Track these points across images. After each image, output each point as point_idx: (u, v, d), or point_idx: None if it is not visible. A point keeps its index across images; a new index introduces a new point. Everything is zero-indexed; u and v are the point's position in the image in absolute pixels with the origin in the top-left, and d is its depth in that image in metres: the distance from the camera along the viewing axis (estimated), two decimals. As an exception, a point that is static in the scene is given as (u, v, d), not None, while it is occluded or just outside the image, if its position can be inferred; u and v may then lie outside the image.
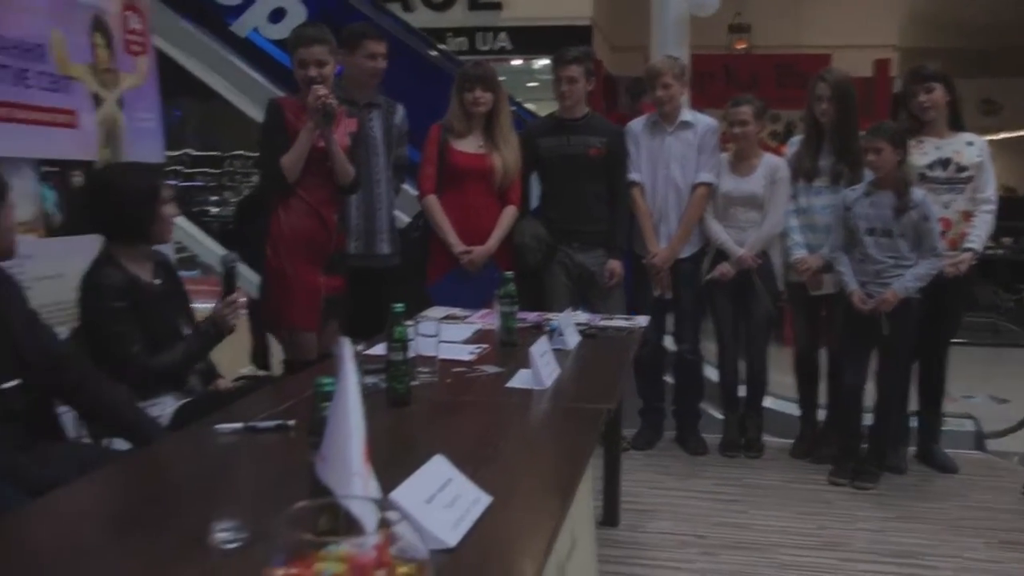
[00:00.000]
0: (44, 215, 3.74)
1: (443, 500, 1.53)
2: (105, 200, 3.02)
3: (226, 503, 1.54)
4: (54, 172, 3.81)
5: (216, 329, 3.06)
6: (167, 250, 3.70)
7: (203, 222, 7.11)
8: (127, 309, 2.95)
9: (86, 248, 3.19)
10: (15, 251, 2.48)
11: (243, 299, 3.11)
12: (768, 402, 4.92)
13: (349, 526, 0.98)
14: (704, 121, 4.72)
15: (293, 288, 3.84)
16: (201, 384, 3.19)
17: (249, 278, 5.37)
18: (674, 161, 4.66)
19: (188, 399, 3.06)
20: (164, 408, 2.99)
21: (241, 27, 5.94)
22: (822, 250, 4.44)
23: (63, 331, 2.99)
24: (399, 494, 1.45)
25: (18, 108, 3.60)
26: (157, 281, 3.12)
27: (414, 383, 2.43)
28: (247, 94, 5.88)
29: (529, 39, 10.96)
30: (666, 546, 3.65)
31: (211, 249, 5.82)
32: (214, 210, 10.76)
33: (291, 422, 2.16)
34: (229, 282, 3.08)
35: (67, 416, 2.82)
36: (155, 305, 3.04)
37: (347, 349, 1.28)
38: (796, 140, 4.68)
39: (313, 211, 3.84)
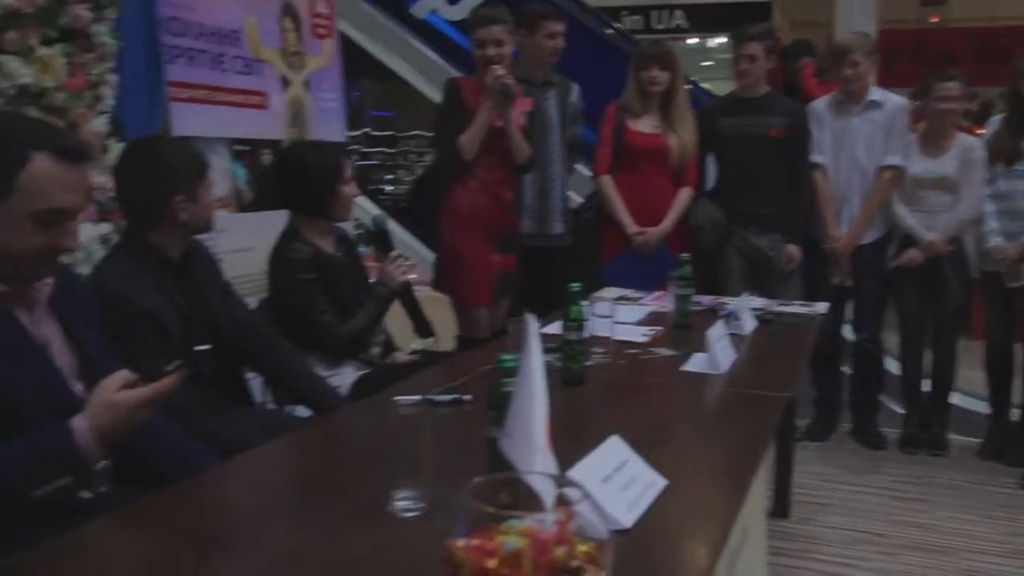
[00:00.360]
0: (236, 191, 3.94)
1: (619, 481, 1.52)
2: (292, 177, 3.14)
3: (405, 473, 1.54)
4: (245, 151, 4.00)
5: (387, 289, 3.14)
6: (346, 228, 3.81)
7: (378, 200, 7.31)
8: (315, 281, 3.07)
9: (274, 223, 3.31)
10: (213, 225, 2.61)
11: (404, 257, 3.20)
12: (955, 398, 4.63)
13: (530, 502, 0.98)
14: (893, 100, 4.48)
15: (467, 265, 3.90)
16: (380, 356, 3.28)
17: (423, 255, 5.48)
18: (860, 142, 4.43)
19: (367, 371, 3.16)
20: (344, 379, 3.09)
21: (420, 9, 6.05)
22: (1022, 238, 4.18)
23: (252, 302, 3.12)
24: (577, 473, 1.44)
25: (215, 91, 3.80)
26: (339, 254, 3.22)
27: (588, 363, 2.41)
28: (424, 74, 6.00)
29: (705, 17, 10.71)
30: (840, 542, 3.51)
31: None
32: (389, 188, 11.10)
33: (467, 396, 2.19)
34: (384, 241, 3.19)
35: (254, 382, 2.98)
36: (338, 277, 3.15)
37: (532, 325, 1.28)
38: (996, 120, 4.39)
39: (488, 189, 3.88)
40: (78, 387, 1.83)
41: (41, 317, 1.82)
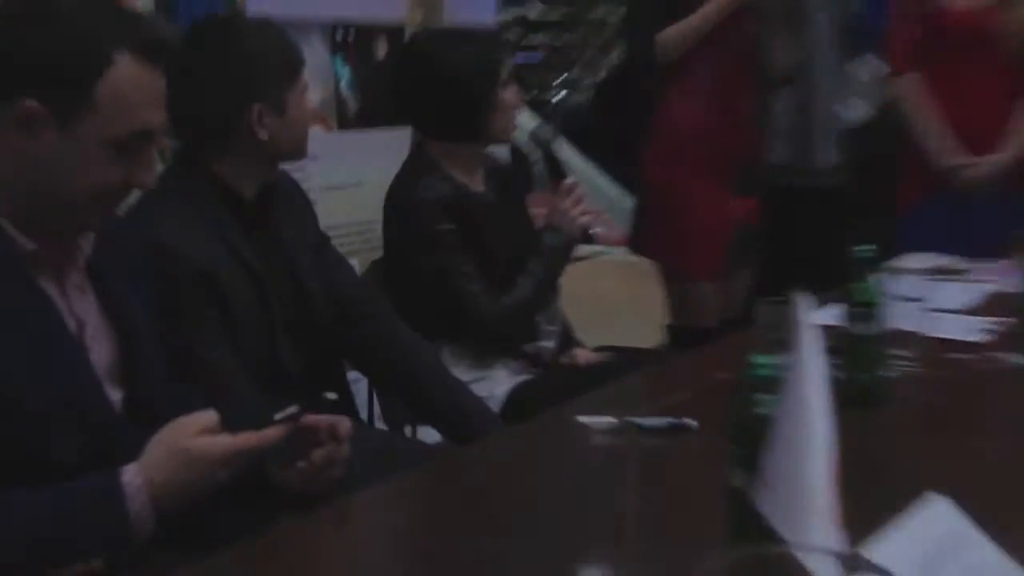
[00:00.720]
0: (337, 100, 4.01)
1: (949, 569, 1.46)
2: (423, 81, 3.15)
3: (596, 539, 1.53)
4: (350, 40, 4.06)
5: (560, 237, 3.16)
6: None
7: (543, 114, 7.30)
8: (456, 233, 3.07)
9: (392, 146, 3.36)
10: (305, 150, 2.64)
11: (581, 187, 3.23)
12: None
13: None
14: None
15: (688, 215, 3.90)
16: (553, 353, 3.27)
17: (613, 200, 5.43)
18: None
19: (531, 375, 3.16)
20: (497, 386, 3.12)
21: None
22: None
23: (356, 264, 3.16)
24: (880, 552, 1.40)
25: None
26: (490, 194, 3.23)
27: (887, 374, 2.36)
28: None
29: None
30: None
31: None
32: (559, 97, 11.10)
33: (691, 421, 2.16)
34: (552, 165, 3.25)
35: (357, 387, 3.03)
36: (491, 228, 3.15)
37: (805, 310, 1.26)
38: None
39: (720, 101, 3.87)
40: (116, 395, 1.90)
41: (75, 288, 1.90)
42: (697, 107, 3.88)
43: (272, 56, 2.52)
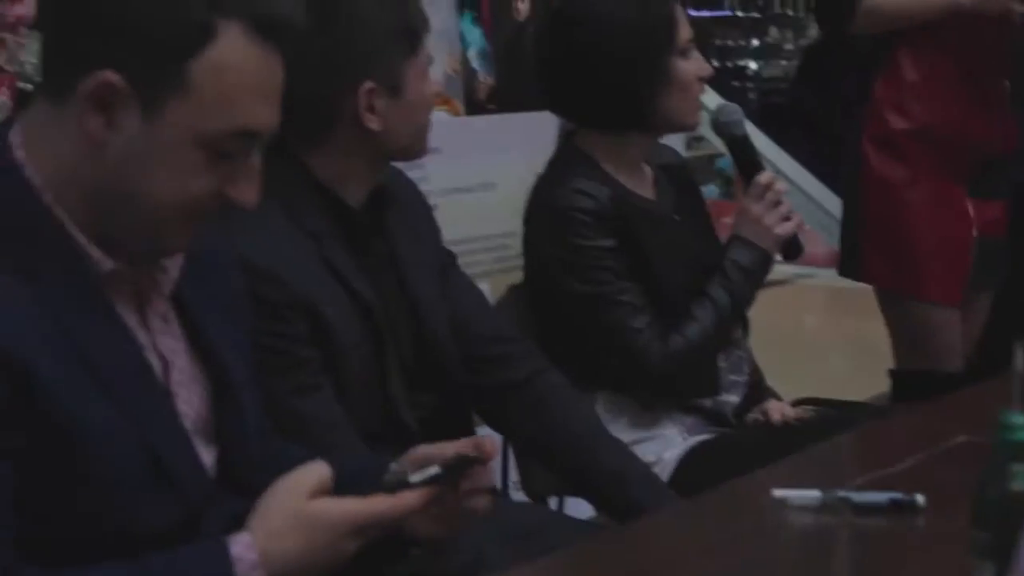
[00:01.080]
0: (466, 75, 4.02)
1: None
2: (574, 49, 3.15)
3: None
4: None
5: (754, 255, 3.16)
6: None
7: (731, 92, 7.27)
8: (617, 252, 3.08)
9: (535, 136, 3.37)
10: (427, 142, 2.66)
11: (780, 184, 3.20)
12: None
13: None
14: None
15: (916, 224, 3.86)
16: (738, 408, 3.27)
17: (817, 200, 5.40)
18: None
19: (709, 435, 3.17)
20: (664, 448, 3.14)
21: None
22: None
23: (487, 288, 3.22)
24: None
25: None
26: (664, 202, 3.23)
27: None
28: None
29: None
30: None
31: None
32: (752, 68, 10.98)
33: (918, 497, 2.15)
34: (744, 155, 3.26)
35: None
36: (661, 243, 3.15)
37: None
38: None
39: (959, 79, 3.86)
40: (206, 454, 1.91)
41: (158, 319, 1.90)
42: (927, 86, 3.87)
43: (386, 18, 2.50)
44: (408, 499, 1.79)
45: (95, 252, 1.77)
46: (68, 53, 1.76)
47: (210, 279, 1.99)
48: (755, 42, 11.97)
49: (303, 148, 2.53)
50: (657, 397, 3.13)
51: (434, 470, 1.84)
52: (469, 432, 2.77)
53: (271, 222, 2.42)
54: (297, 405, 2.36)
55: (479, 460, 1.92)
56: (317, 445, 2.24)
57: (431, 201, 2.92)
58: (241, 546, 1.74)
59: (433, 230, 2.82)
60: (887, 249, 3.91)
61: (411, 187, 2.80)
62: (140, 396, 1.80)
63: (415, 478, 1.83)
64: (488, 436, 2.08)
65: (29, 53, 3.08)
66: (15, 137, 1.78)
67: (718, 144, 5.88)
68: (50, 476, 1.71)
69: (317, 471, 1.80)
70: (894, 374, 4.05)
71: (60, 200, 1.75)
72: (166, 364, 1.88)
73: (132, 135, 1.72)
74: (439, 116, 3.69)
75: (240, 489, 1.93)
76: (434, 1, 3.77)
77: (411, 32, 2.54)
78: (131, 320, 1.84)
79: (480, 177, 3.83)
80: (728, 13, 12.19)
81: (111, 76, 1.68)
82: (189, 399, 1.91)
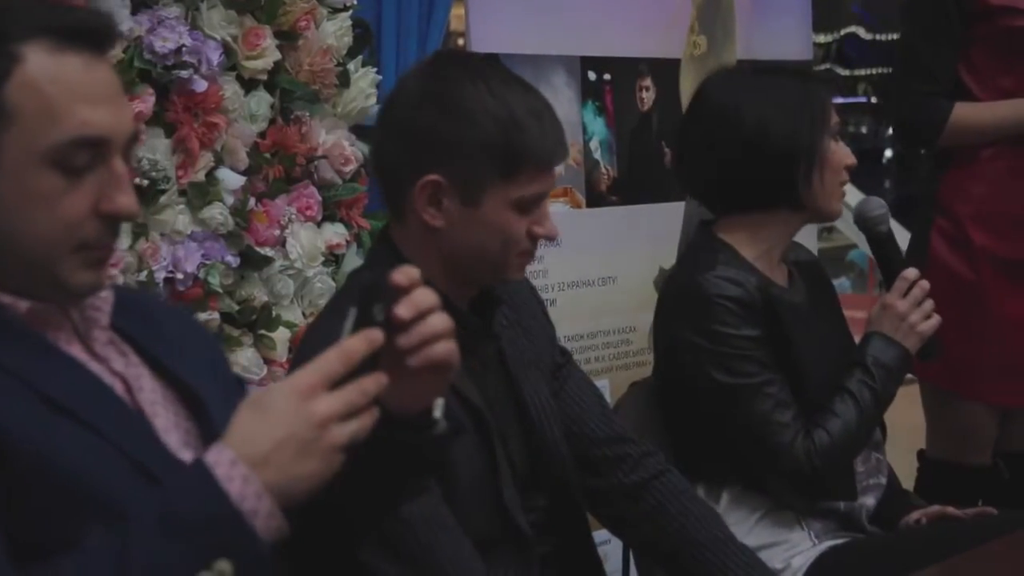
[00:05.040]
0: (588, 165, 3.99)
1: None
2: (723, 133, 3.10)
3: None
4: (606, 81, 4.06)
5: (897, 353, 3.09)
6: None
7: (869, 182, 7.22)
8: (763, 343, 3.01)
9: (658, 229, 3.27)
10: (507, 272, 2.57)
11: (925, 282, 3.14)
12: None
13: None
14: None
15: (984, 323, 3.85)
16: (873, 512, 3.17)
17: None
18: None
19: (841, 539, 3.09)
20: (792, 554, 3.05)
21: None
22: None
23: (606, 385, 3.14)
24: None
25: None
26: (797, 292, 3.17)
27: None
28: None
29: None
30: None
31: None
32: (888, 153, 10.96)
33: None
34: (887, 251, 3.24)
35: (609, 549, 3.02)
36: (805, 333, 3.11)
37: None
38: None
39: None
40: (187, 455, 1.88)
41: (106, 347, 1.91)
42: (1000, 176, 3.87)
43: (485, 126, 2.42)
44: (351, 343, 1.68)
45: (4, 298, 1.77)
46: None
47: (170, 331, 2.00)
48: (889, 131, 11.99)
49: (392, 222, 2.57)
50: (794, 497, 3.05)
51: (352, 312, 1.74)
52: (586, 535, 2.78)
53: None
54: (400, 509, 2.25)
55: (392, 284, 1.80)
56: (421, 546, 2.29)
57: (549, 295, 2.90)
58: (214, 453, 1.65)
59: (545, 327, 2.78)
60: (947, 345, 3.78)
61: (524, 283, 2.75)
62: (106, 413, 1.79)
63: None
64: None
65: (148, 149, 3.09)
66: None
67: (850, 235, 5.81)
68: (42, 522, 1.69)
69: (329, 363, 1.67)
70: (923, 458, 4.07)
71: None
72: (129, 386, 1.87)
73: None
74: (559, 208, 3.65)
75: None
76: (557, 91, 3.77)
77: (509, 156, 2.43)
78: (78, 353, 1.84)
79: (600, 271, 3.79)
80: (863, 100, 12.21)
81: None
82: (168, 416, 1.90)
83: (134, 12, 3.06)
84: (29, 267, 1.77)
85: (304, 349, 2.50)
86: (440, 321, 1.83)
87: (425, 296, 1.82)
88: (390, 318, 1.76)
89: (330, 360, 1.66)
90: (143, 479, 1.76)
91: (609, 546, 3.06)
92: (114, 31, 1.86)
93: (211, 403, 1.94)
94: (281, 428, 1.64)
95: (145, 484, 1.75)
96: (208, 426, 1.90)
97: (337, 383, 1.66)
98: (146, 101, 3.09)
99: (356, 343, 1.68)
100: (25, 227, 1.75)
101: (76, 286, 1.81)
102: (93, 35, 1.79)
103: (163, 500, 1.66)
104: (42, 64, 1.74)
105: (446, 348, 1.84)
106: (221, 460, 1.63)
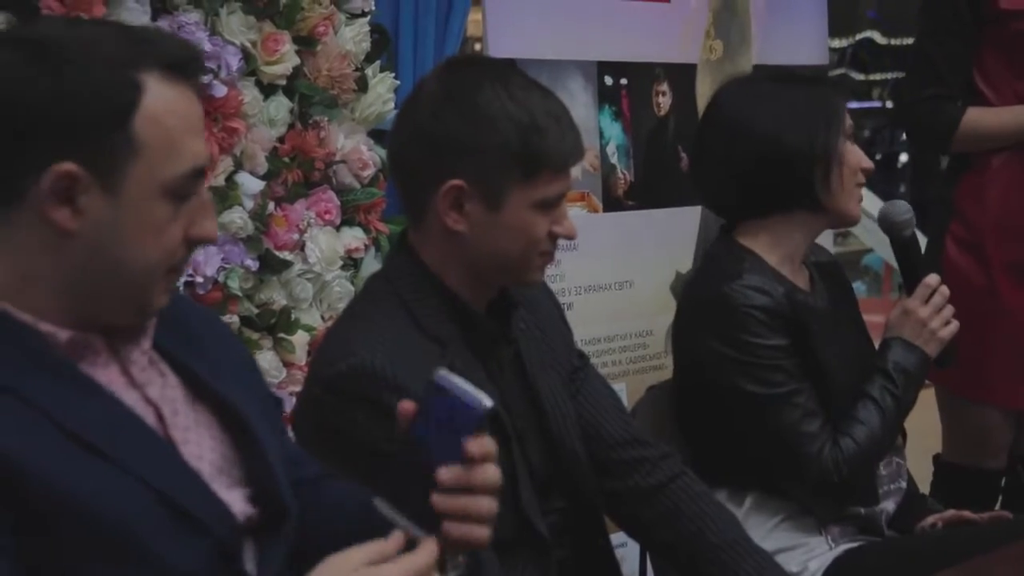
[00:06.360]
0: (605, 169, 3.99)
1: None
2: (732, 143, 3.11)
3: None
4: (622, 86, 4.07)
5: (917, 358, 3.10)
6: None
7: (887, 185, 7.21)
8: (790, 351, 3.03)
9: (674, 234, 3.27)
10: (529, 276, 2.61)
11: (944, 288, 3.17)
12: None
13: None
14: None
15: (995, 329, 3.87)
16: (892, 518, 3.19)
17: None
18: None
19: (856, 543, 3.09)
20: (809, 558, 3.05)
21: None
22: None
23: (622, 389, 3.16)
24: None
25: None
26: (820, 296, 3.19)
27: None
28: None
29: None
30: None
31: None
32: (903, 158, 10.88)
33: None
34: (910, 255, 3.24)
35: (626, 552, 3.12)
36: (831, 340, 3.11)
37: None
38: None
39: None
40: (234, 493, 1.92)
41: (143, 372, 1.91)
42: (1013, 183, 3.89)
43: (504, 130, 2.44)
44: (426, 556, 1.72)
45: (46, 328, 1.77)
46: (8, 159, 1.74)
47: (209, 343, 2.02)
48: (904, 135, 11.94)
49: (415, 239, 2.57)
50: (818, 503, 3.05)
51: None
52: (603, 538, 2.83)
53: (395, 328, 2.47)
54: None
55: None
56: None
57: (566, 299, 2.90)
58: None
59: (562, 331, 2.79)
60: (962, 350, 3.79)
61: (541, 286, 2.76)
62: (134, 448, 1.79)
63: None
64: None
65: None
66: None
67: (865, 240, 5.80)
68: (66, 559, 1.70)
69: (378, 544, 1.73)
70: (939, 463, 4.10)
71: (10, 295, 1.77)
72: (160, 414, 1.88)
73: (100, 213, 1.75)
74: (576, 212, 3.64)
75: (277, 524, 1.96)
76: (574, 96, 3.77)
77: (530, 159, 2.45)
78: (114, 382, 1.84)
79: (617, 274, 3.79)
80: (877, 104, 12.18)
81: (67, 167, 1.71)
82: (200, 442, 1.91)
83: (154, 18, 3.00)
84: (126, 292, 1.81)
85: (323, 351, 2.51)
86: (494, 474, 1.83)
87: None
88: (458, 438, 1.79)
89: (413, 566, 1.72)
90: (169, 512, 1.77)
91: (626, 549, 3.05)
92: (203, 61, 1.91)
93: (254, 421, 1.97)
94: None
95: (170, 517, 1.77)
96: (252, 445, 1.95)
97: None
98: (165, 106, 3.08)
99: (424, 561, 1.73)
100: (135, 254, 1.78)
101: (157, 308, 1.88)
102: (193, 66, 1.85)
103: None
104: (161, 96, 1.77)
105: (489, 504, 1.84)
106: None
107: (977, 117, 3.80)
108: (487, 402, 1.75)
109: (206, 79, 3.05)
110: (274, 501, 1.95)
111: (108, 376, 1.82)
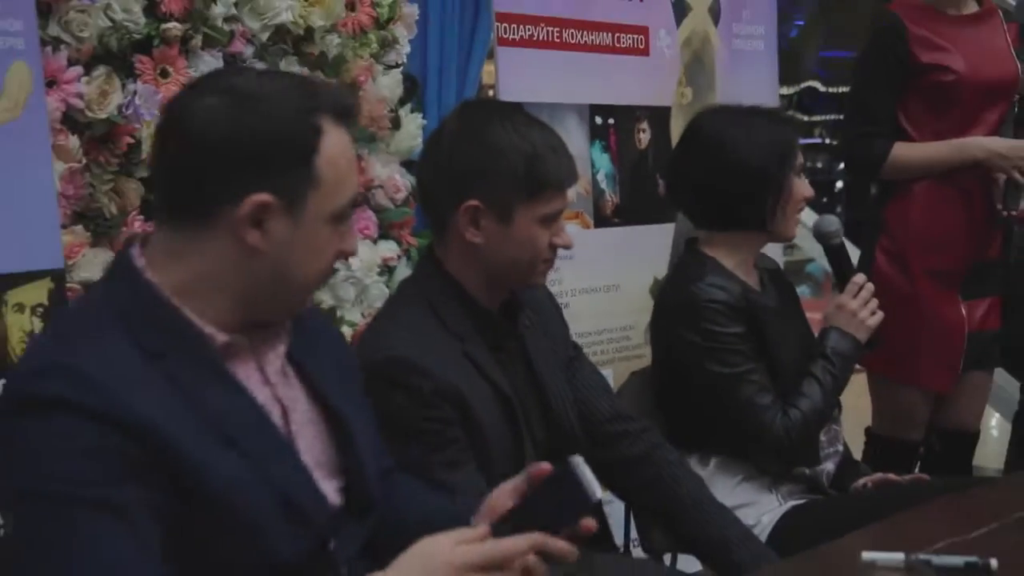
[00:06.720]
0: (595, 193, 4.00)
1: None
2: (709, 161, 3.10)
3: None
4: (610, 125, 4.07)
5: (850, 343, 3.11)
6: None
7: (825, 206, 7.24)
8: (746, 338, 3.05)
9: (653, 245, 3.31)
10: (534, 279, 2.60)
11: (869, 284, 3.17)
12: None
13: None
14: None
15: (919, 323, 3.89)
16: (832, 478, 3.19)
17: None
18: None
19: (801, 500, 3.10)
20: (762, 513, 3.05)
21: None
22: None
23: (610, 374, 3.19)
24: None
25: (567, 27, 3.89)
26: (769, 296, 3.19)
27: None
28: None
29: None
30: None
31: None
32: (839, 184, 10.92)
33: (992, 561, 2.05)
34: (840, 259, 3.23)
35: (613, 508, 3.08)
36: (774, 332, 3.13)
37: None
38: None
39: (966, 200, 3.87)
40: (330, 485, 1.92)
41: (277, 373, 1.92)
42: (933, 207, 3.89)
43: (512, 158, 2.45)
44: (512, 543, 1.67)
45: (209, 330, 1.79)
46: (210, 188, 1.76)
47: (322, 347, 2.01)
48: (841, 165, 12.02)
49: (440, 251, 2.55)
50: (771, 464, 3.06)
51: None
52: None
53: (423, 324, 2.46)
54: (447, 478, 2.32)
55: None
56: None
57: (564, 300, 2.95)
58: None
59: (561, 326, 2.81)
60: (889, 342, 3.81)
61: (543, 290, 2.79)
62: (262, 443, 1.81)
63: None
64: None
65: None
66: (134, 252, 1.82)
67: (809, 251, 5.80)
68: (192, 529, 1.70)
69: (469, 531, 1.71)
70: (870, 434, 4.13)
71: (188, 299, 1.77)
72: (285, 411, 1.89)
73: (282, 235, 1.77)
74: (571, 228, 3.69)
75: (362, 514, 1.96)
76: (570, 133, 3.80)
77: (533, 181, 2.45)
78: (252, 378, 1.86)
79: (606, 280, 3.81)
80: (818, 141, 12.24)
81: (261, 197, 1.74)
82: (308, 437, 1.92)
83: (224, 69, 3.08)
84: (290, 298, 1.87)
85: (363, 344, 2.52)
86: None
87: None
88: (567, 515, 1.76)
89: (496, 552, 1.67)
90: (284, 506, 1.79)
91: (611, 506, 3.05)
92: (355, 110, 1.92)
93: (357, 430, 1.98)
94: None
95: (284, 510, 1.79)
96: (352, 452, 1.96)
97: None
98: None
99: (519, 546, 1.68)
100: (306, 268, 1.83)
101: (300, 310, 1.94)
102: (353, 111, 1.89)
103: None
104: (334, 137, 1.80)
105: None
106: None
107: (902, 151, 3.83)
108: (599, 494, 1.76)
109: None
110: (363, 495, 1.97)
111: (247, 373, 1.85)
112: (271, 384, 1.88)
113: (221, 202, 1.74)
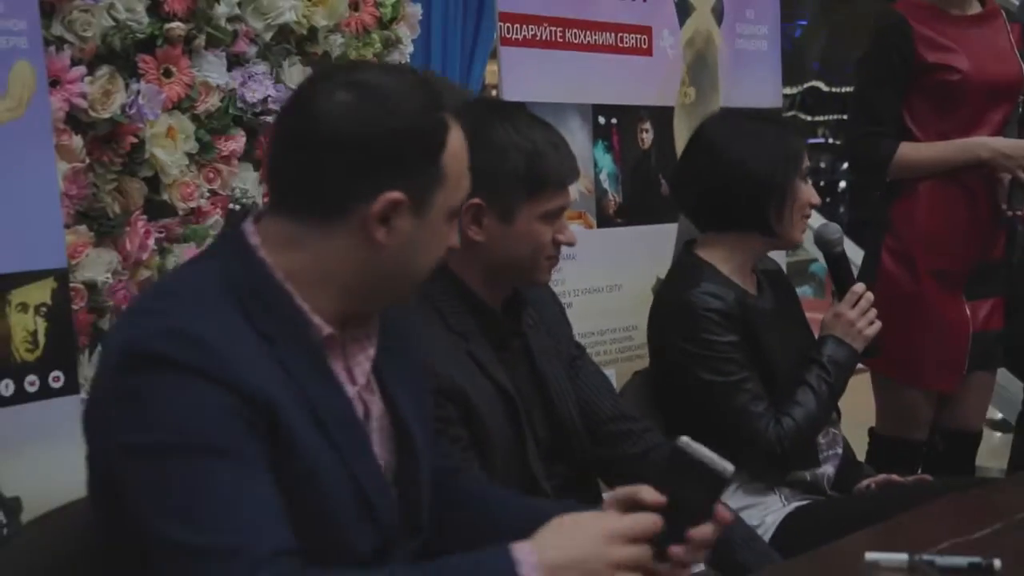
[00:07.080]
0: (597, 193, 4.00)
1: None
2: (714, 163, 3.11)
3: None
4: (612, 125, 4.05)
5: (846, 351, 3.10)
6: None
7: (829, 209, 7.24)
8: (740, 346, 3.04)
9: (655, 246, 3.31)
10: (537, 276, 2.60)
11: (870, 294, 3.16)
12: None
13: None
14: None
15: (923, 323, 3.89)
16: (833, 481, 3.18)
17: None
18: None
19: (804, 501, 3.09)
20: (766, 514, 3.06)
21: None
22: None
23: (612, 374, 3.19)
24: None
25: (570, 27, 3.88)
26: (766, 299, 3.19)
27: None
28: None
29: None
30: None
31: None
32: (843, 184, 10.90)
33: (995, 561, 2.04)
34: (840, 268, 3.21)
35: None
36: (770, 338, 3.12)
37: None
38: None
39: (969, 200, 3.87)
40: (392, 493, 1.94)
41: (362, 374, 1.92)
42: (938, 208, 3.90)
43: (513, 157, 2.46)
44: (648, 518, 1.70)
45: (317, 320, 1.80)
46: (344, 185, 1.77)
47: (400, 355, 2.00)
48: (844, 165, 12.00)
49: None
50: (767, 469, 3.06)
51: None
52: (596, 495, 2.78)
53: (426, 323, 2.41)
54: None
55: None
56: None
57: (567, 299, 2.95)
58: (524, 552, 1.67)
59: (564, 326, 2.81)
60: (893, 342, 3.74)
61: (546, 289, 2.80)
62: (349, 438, 1.82)
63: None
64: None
65: (240, 180, 3.16)
66: (248, 229, 1.82)
67: (812, 252, 5.79)
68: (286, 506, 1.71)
69: (645, 520, 1.71)
70: (873, 435, 4.12)
71: (300, 286, 1.78)
72: (368, 412, 1.91)
73: (407, 232, 1.79)
74: (574, 228, 3.66)
75: (413, 529, 1.95)
76: (573, 133, 3.79)
77: (534, 179, 2.48)
78: (341, 373, 1.87)
79: (608, 280, 3.81)
80: (821, 140, 12.23)
81: (395, 195, 1.75)
82: (381, 444, 1.93)
83: (229, 69, 3.09)
84: (401, 292, 1.90)
85: None
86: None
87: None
88: (710, 493, 1.77)
89: (641, 522, 1.70)
90: (360, 501, 1.81)
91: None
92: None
93: (419, 441, 1.98)
94: (581, 551, 1.67)
95: (359, 505, 1.81)
96: (413, 468, 1.96)
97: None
98: (239, 141, 3.15)
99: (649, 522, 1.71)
100: (423, 264, 1.85)
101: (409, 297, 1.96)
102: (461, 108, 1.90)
103: (466, 566, 1.72)
104: (456, 134, 1.83)
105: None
106: (527, 560, 1.67)
107: (908, 151, 3.83)
108: (729, 467, 1.74)
109: (271, 119, 3.07)
110: (416, 513, 1.96)
111: (337, 368, 1.86)
112: (356, 384, 1.89)
113: (355, 199, 1.75)
